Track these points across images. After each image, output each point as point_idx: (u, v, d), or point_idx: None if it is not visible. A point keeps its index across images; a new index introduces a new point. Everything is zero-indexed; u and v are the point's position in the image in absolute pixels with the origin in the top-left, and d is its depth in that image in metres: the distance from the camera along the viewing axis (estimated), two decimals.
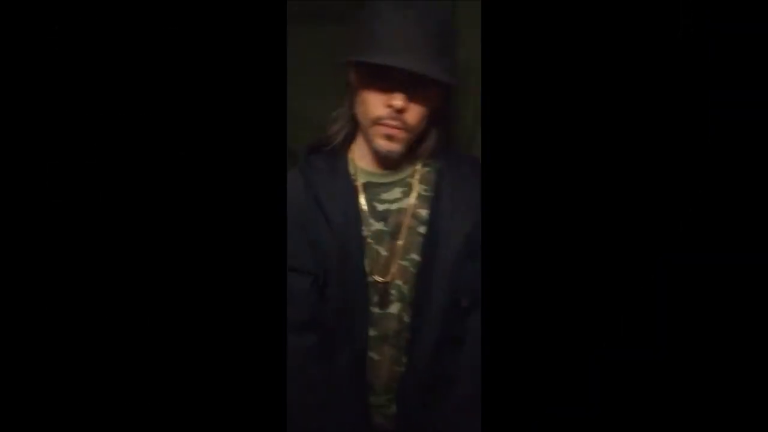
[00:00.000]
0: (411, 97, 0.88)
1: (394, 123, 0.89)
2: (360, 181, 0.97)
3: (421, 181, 0.98)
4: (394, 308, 0.94)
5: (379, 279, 0.94)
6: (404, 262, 0.94)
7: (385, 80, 0.88)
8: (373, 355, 0.94)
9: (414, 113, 0.90)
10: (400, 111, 0.88)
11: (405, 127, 0.90)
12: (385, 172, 0.98)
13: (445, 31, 0.87)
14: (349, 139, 0.99)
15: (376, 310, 0.94)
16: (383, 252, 0.94)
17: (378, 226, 0.95)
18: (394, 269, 0.94)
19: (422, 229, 0.95)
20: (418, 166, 0.99)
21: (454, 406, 0.93)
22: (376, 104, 0.89)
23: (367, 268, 0.94)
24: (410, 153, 0.97)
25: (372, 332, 0.94)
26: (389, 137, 0.90)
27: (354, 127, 0.98)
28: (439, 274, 0.93)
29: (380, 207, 0.96)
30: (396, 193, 0.97)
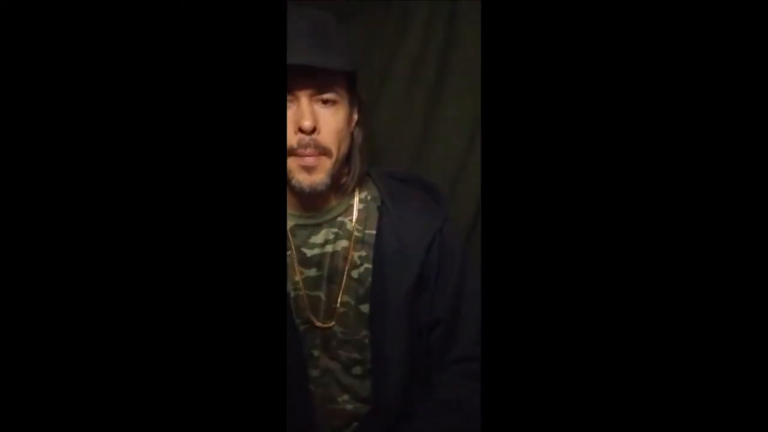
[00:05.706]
0: (319, 115, 0.80)
1: (308, 150, 0.80)
2: (289, 225, 0.88)
3: (356, 221, 0.89)
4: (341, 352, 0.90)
5: (319, 324, 0.89)
6: (341, 308, 0.89)
7: (291, 101, 0.79)
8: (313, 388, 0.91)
9: (326, 131, 0.81)
10: (310, 132, 0.79)
11: (322, 152, 0.81)
12: (310, 213, 0.89)
13: (331, 29, 0.83)
14: None
15: (317, 353, 0.90)
16: (323, 297, 0.89)
17: (310, 273, 0.89)
18: (337, 313, 0.88)
19: (357, 275, 0.88)
20: (352, 202, 0.90)
21: None
22: (288, 135, 0.80)
23: (305, 316, 0.89)
24: (336, 188, 0.88)
25: (314, 373, 0.90)
26: (308, 169, 0.81)
27: None
28: (392, 323, 0.88)
29: (309, 253, 0.88)
30: (327, 234, 0.89)
